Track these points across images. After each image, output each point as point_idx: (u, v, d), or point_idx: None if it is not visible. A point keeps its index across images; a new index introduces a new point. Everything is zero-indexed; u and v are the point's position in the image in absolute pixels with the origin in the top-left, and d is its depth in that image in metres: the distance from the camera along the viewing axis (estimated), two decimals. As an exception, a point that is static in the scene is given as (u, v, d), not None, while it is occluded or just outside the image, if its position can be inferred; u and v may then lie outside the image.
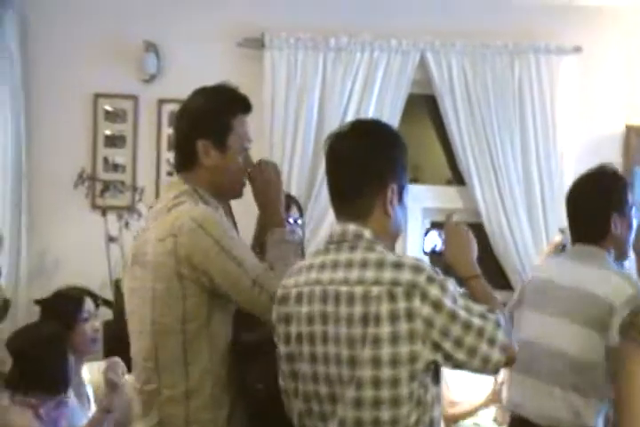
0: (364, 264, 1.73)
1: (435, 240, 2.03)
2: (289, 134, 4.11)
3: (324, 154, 1.91)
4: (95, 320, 2.92)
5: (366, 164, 1.83)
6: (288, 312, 1.81)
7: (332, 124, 4.07)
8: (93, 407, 2.90)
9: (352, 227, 1.80)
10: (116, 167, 4.23)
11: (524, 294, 2.58)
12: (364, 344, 1.67)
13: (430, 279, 1.69)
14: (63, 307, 2.86)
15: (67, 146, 4.21)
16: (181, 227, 1.99)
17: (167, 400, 2.04)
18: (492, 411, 3.60)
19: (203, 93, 2.18)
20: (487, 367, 1.73)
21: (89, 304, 2.91)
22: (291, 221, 3.21)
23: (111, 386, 2.75)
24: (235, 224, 2.29)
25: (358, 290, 1.70)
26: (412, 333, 1.65)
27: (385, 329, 1.66)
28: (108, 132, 4.24)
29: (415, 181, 4.55)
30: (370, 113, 4.12)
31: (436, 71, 4.16)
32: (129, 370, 3.18)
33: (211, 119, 2.13)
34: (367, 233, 1.79)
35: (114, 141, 4.24)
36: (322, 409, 1.75)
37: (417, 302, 1.65)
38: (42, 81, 4.20)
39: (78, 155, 4.19)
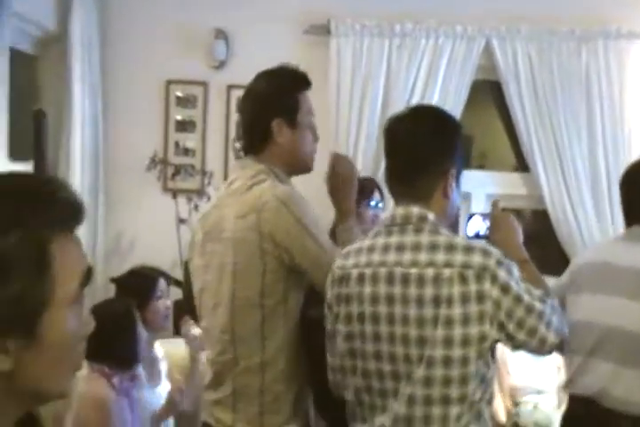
0: (432, 247, 1.78)
1: (478, 225, 2.09)
2: (354, 121, 4.17)
3: (384, 137, 1.98)
4: (167, 299, 3.05)
5: (431, 146, 1.90)
6: (348, 293, 1.85)
7: (397, 111, 4.13)
8: (165, 383, 3.04)
9: (416, 209, 1.84)
10: (186, 151, 4.36)
11: (580, 277, 2.60)
12: (435, 325, 1.73)
13: (499, 263, 1.76)
14: (138, 285, 2.99)
15: (140, 130, 4.36)
16: (265, 204, 2.07)
17: (243, 371, 2.13)
18: (553, 394, 3.62)
19: (266, 76, 2.28)
20: (543, 348, 1.83)
21: (162, 283, 3.03)
22: (371, 204, 3.31)
23: (172, 405, 2.89)
24: None
25: (429, 272, 1.75)
26: (481, 314, 1.73)
27: (457, 311, 1.72)
28: (179, 118, 4.38)
29: (481, 167, 4.58)
30: (434, 99, 4.15)
31: (501, 57, 4.16)
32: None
33: (281, 98, 2.22)
34: (431, 216, 1.85)
35: (184, 126, 4.38)
36: (382, 386, 1.82)
37: (487, 285, 1.73)
38: (118, 67, 4.35)
39: (151, 139, 4.34)
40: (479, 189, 4.34)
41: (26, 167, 3.90)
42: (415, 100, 4.15)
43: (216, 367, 2.20)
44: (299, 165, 2.26)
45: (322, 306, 2.03)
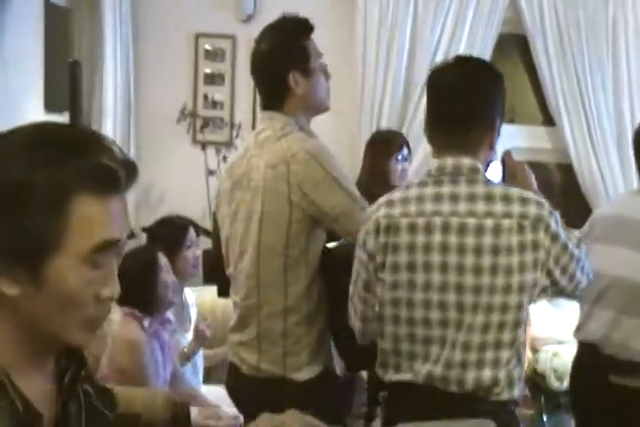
0: (489, 198, 1.83)
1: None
2: (380, 73, 4.21)
3: (430, 87, 1.97)
4: (196, 248, 3.17)
5: (483, 98, 1.92)
6: (396, 242, 1.86)
7: (423, 63, 4.18)
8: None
9: (466, 161, 1.87)
10: (215, 104, 4.45)
11: (597, 228, 2.67)
12: (493, 273, 1.80)
13: (550, 213, 1.85)
14: (168, 234, 3.11)
15: (170, 83, 4.44)
16: (294, 156, 2.14)
17: (267, 315, 2.23)
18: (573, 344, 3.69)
19: (270, 31, 2.33)
20: (576, 292, 1.97)
21: (191, 232, 3.15)
22: (400, 158, 3.39)
23: (200, 337, 3.05)
24: None
25: (488, 222, 1.81)
26: (535, 261, 1.81)
27: (515, 259, 1.80)
28: (207, 71, 4.45)
29: (511, 121, 4.60)
30: (460, 51, 4.15)
31: (527, 10, 4.16)
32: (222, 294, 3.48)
33: (290, 51, 2.26)
34: (480, 167, 1.89)
35: (213, 79, 4.45)
36: (428, 334, 1.86)
37: (541, 234, 1.81)
38: (148, 20, 4.42)
39: (180, 92, 4.42)
40: (505, 143, 4.36)
41: (61, 118, 4.02)
42: (441, 53, 4.18)
43: (241, 311, 2.31)
44: (318, 108, 2.35)
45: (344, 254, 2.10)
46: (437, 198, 1.85)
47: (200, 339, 3.07)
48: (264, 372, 2.24)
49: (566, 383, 3.14)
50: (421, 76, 4.18)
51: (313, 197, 2.14)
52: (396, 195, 1.91)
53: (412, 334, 1.87)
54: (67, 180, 0.98)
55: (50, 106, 3.77)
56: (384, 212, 1.89)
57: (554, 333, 3.76)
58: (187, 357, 3.04)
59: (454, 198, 1.84)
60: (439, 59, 4.15)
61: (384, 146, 3.39)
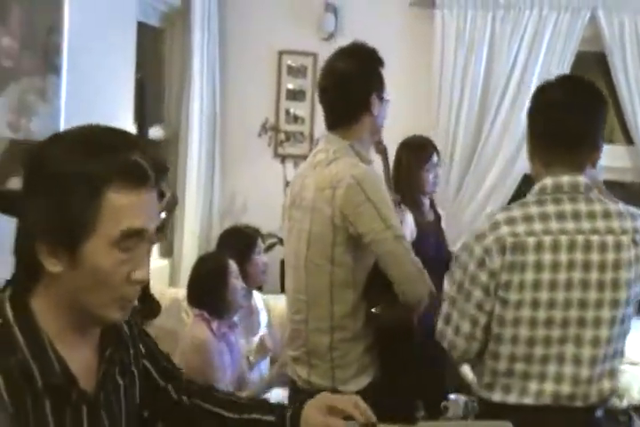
0: (606, 215, 1.89)
1: None
2: (456, 91, 4.29)
3: (542, 103, 1.99)
4: (264, 256, 3.33)
5: (595, 112, 1.97)
6: (523, 260, 1.85)
7: (499, 82, 4.24)
8: (265, 332, 3.32)
9: (581, 179, 1.92)
10: (296, 119, 4.62)
11: None
12: (616, 288, 1.87)
13: None
14: (239, 241, 3.28)
15: (253, 99, 4.64)
16: (340, 181, 2.25)
17: (314, 331, 2.33)
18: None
19: (350, 54, 2.42)
20: None
21: (260, 241, 3.32)
22: (431, 164, 3.42)
23: (263, 348, 3.16)
24: (386, 160, 2.56)
25: (609, 239, 1.87)
26: None
27: (632, 273, 1.88)
28: (290, 87, 4.63)
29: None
30: (537, 70, 4.21)
31: (607, 28, 4.15)
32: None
33: (373, 74, 2.38)
34: (590, 184, 1.95)
35: (295, 95, 4.63)
36: (546, 352, 1.87)
37: None
38: (234, 39, 4.63)
39: (263, 107, 4.61)
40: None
41: (152, 132, 4.27)
42: (517, 72, 4.23)
43: (292, 325, 2.42)
44: (378, 134, 2.47)
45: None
46: (561, 216, 1.87)
47: (262, 350, 3.19)
48: (315, 385, 2.33)
49: (626, 402, 3.13)
50: (497, 94, 4.26)
51: (352, 219, 2.23)
52: (516, 212, 1.90)
53: (529, 353, 1.88)
54: (102, 173, 1.15)
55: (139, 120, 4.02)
56: (508, 230, 1.87)
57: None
58: (251, 365, 3.17)
59: (576, 216, 1.88)
60: (516, 77, 4.22)
61: (417, 153, 3.43)
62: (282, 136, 4.54)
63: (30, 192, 1.18)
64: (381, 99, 2.38)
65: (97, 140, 1.20)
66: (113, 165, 1.16)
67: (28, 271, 1.20)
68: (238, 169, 4.61)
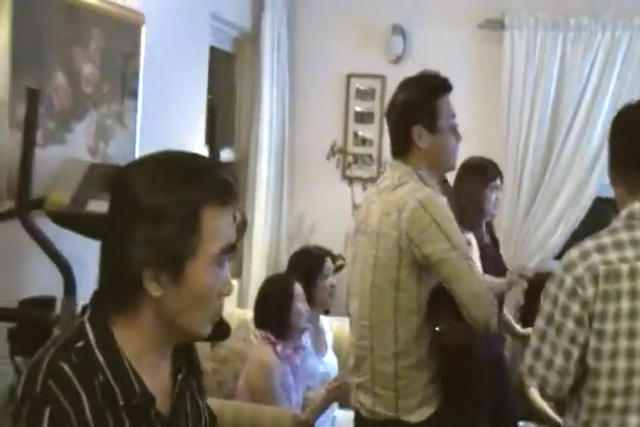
0: None
1: None
2: (525, 113, 4.26)
3: (626, 127, 1.94)
4: (332, 278, 3.34)
5: None
6: (618, 288, 1.80)
7: (569, 104, 4.20)
8: (331, 354, 3.33)
9: None
10: (364, 141, 4.65)
11: None
12: None
13: None
14: (307, 263, 3.30)
15: (322, 121, 4.69)
16: (406, 204, 2.25)
17: (378, 358, 2.32)
18: None
19: (407, 84, 2.43)
20: None
21: (328, 263, 3.33)
22: (494, 186, 3.38)
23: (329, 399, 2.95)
24: (450, 193, 2.55)
25: None
26: None
27: None
28: (358, 109, 4.67)
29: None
30: (609, 93, 4.16)
31: (681, 50, 4.09)
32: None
33: (420, 106, 2.35)
34: None
35: (363, 118, 4.66)
36: None
37: None
38: (303, 62, 4.70)
39: (331, 129, 4.66)
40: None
41: (222, 155, 4.35)
42: (589, 94, 4.18)
43: (356, 352, 2.41)
44: (442, 165, 2.43)
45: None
46: None
47: (329, 400, 2.98)
48: (378, 415, 2.33)
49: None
50: (567, 116, 4.21)
51: (418, 241, 2.22)
52: (606, 240, 1.86)
53: (629, 386, 1.82)
54: (196, 197, 1.20)
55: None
56: (599, 258, 1.82)
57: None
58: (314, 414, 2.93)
59: None
60: (587, 100, 4.17)
61: (479, 173, 3.36)
62: (349, 159, 4.57)
63: (125, 219, 1.22)
64: (435, 130, 2.36)
65: (183, 164, 1.25)
66: (205, 187, 1.21)
67: (120, 296, 1.23)
68: (306, 191, 4.66)
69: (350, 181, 4.49)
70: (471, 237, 3.17)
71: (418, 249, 2.24)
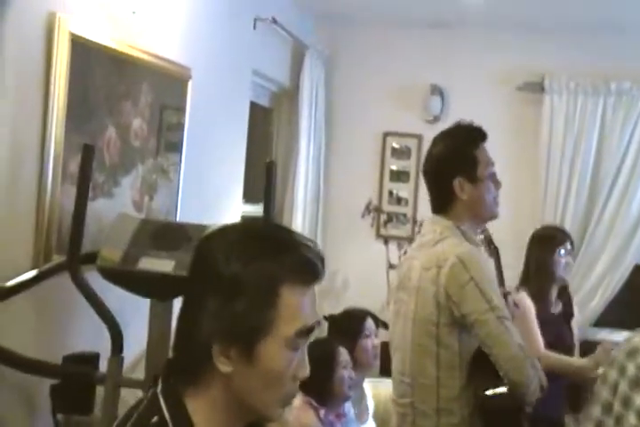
0: None
1: None
2: (564, 177, 4.25)
3: None
4: (375, 338, 3.26)
5: None
6: None
7: (609, 169, 4.17)
8: (371, 421, 3.23)
9: None
10: (399, 200, 4.63)
11: None
12: None
13: None
14: (348, 324, 3.22)
15: (357, 179, 4.69)
16: (446, 260, 2.21)
17: (420, 414, 2.26)
18: None
19: (443, 137, 2.38)
20: None
21: (370, 323, 3.25)
22: (563, 252, 3.37)
23: None
24: (497, 253, 2.52)
25: None
26: None
27: None
28: (393, 168, 4.66)
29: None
30: (649, 159, 4.14)
31: None
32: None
33: (458, 158, 2.31)
34: None
35: (399, 176, 4.65)
36: None
37: None
38: (340, 120, 4.73)
39: (367, 187, 4.65)
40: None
41: (255, 209, 4.34)
42: (629, 160, 4.17)
43: (398, 409, 2.36)
44: (485, 214, 2.38)
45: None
46: None
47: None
48: None
49: None
50: (607, 182, 4.18)
51: (455, 299, 2.18)
52: None
53: None
54: (277, 272, 1.14)
55: (248, 197, 4.09)
56: None
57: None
58: None
59: None
60: (627, 166, 4.16)
61: (548, 241, 3.39)
62: (385, 217, 4.54)
63: (200, 288, 1.17)
64: (475, 180, 2.32)
65: (267, 236, 1.21)
66: (287, 263, 1.15)
67: (191, 368, 1.18)
68: (340, 248, 4.61)
69: (385, 239, 4.45)
70: (522, 297, 3.15)
71: (456, 307, 2.20)
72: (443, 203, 2.35)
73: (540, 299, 3.27)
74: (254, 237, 1.19)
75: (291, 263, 1.15)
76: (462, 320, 2.20)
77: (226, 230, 1.23)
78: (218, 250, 1.17)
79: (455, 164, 2.31)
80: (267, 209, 2.37)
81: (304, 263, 1.17)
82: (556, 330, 3.29)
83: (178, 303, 2.32)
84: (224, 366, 1.14)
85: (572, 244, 3.46)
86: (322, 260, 1.21)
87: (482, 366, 2.23)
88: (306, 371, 1.20)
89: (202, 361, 1.15)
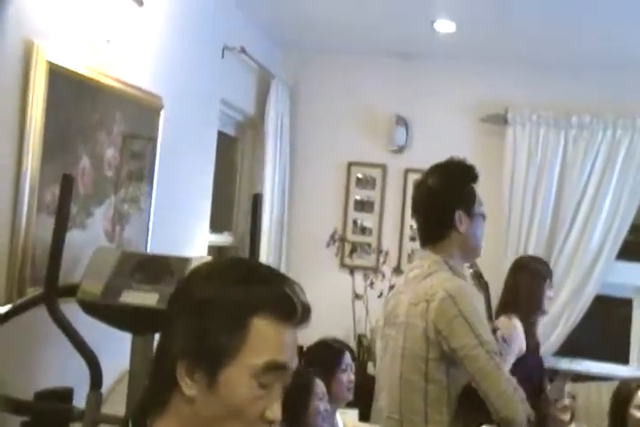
0: None
1: None
2: (527, 208, 4.30)
3: None
4: (351, 372, 3.22)
5: None
6: None
7: (570, 201, 4.24)
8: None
9: None
10: (363, 230, 4.63)
11: None
12: None
13: None
14: (325, 356, 3.19)
15: (322, 208, 4.69)
16: (435, 294, 2.21)
17: None
18: None
19: (440, 170, 2.42)
20: None
21: (347, 357, 3.21)
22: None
23: None
24: (486, 287, 2.54)
25: None
26: None
27: None
28: (357, 198, 4.67)
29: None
30: (610, 191, 4.21)
31: (683, 153, 4.17)
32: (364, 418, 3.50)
33: (461, 191, 2.37)
34: None
35: (363, 206, 4.66)
36: None
37: None
38: (304, 149, 4.73)
39: (331, 217, 4.65)
40: None
41: (222, 238, 4.30)
42: (590, 193, 4.24)
43: None
44: (473, 251, 2.41)
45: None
46: None
47: None
48: None
49: None
50: (568, 214, 4.24)
51: (445, 334, 2.18)
52: None
53: None
54: (251, 300, 1.13)
55: (214, 226, 4.05)
56: None
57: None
58: None
59: None
60: (587, 199, 4.22)
61: (540, 269, 3.46)
62: (349, 247, 4.53)
63: (174, 309, 1.18)
64: (471, 215, 2.36)
65: (252, 269, 1.20)
66: (263, 295, 1.15)
67: (158, 393, 1.17)
68: (305, 279, 4.36)
69: (351, 269, 4.44)
70: (515, 324, 3.19)
71: (445, 342, 2.19)
72: (437, 234, 2.36)
73: (529, 328, 3.30)
74: (237, 268, 1.20)
75: (267, 295, 1.15)
76: (452, 355, 2.20)
77: (213, 262, 1.26)
78: (198, 277, 1.18)
79: (458, 195, 2.35)
80: (253, 242, 2.34)
81: (281, 298, 1.16)
82: (538, 359, 3.33)
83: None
84: (188, 389, 1.12)
85: (551, 277, 3.52)
86: (304, 307, 1.19)
87: (470, 402, 2.23)
88: (275, 414, 1.17)
89: (168, 383, 1.14)
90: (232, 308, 1.13)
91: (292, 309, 1.16)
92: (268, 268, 1.22)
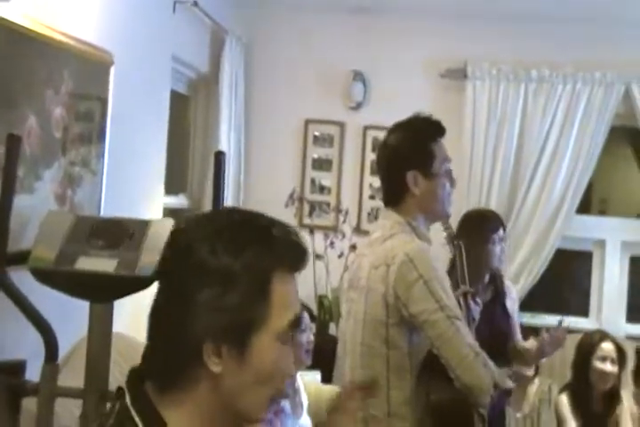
0: None
1: None
2: (488, 164, 4.26)
3: None
4: (310, 333, 3.16)
5: None
6: None
7: (531, 155, 4.21)
8: (305, 416, 3.15)
9: None
10: (322, 189, 4.54)
11: None
12: None
13: None
14: None
15: (279, 168, 4.58)
16: (394, 257, 2.13)
17: (371, 418, 2.18)
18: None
19: (399, 128, 2.30)
20: None
21: (306, 317, 3.16)
22: (497, 239, 3.21)
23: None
24: (460, 250, 2.47)
25: None
26: None
27: None
28: (315, 156, 4.57)
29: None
30: (570, 145, 4.19)
31: (641, 104, 4.14)
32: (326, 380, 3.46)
33: (414, 151, 2.24)
34: None
35: (321, 164, 4.56)
36: None
37: None
38: (260, 107, 4.59)
39: (289, 176, 4.55)
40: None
41: (177, 200, 4.18)
42: (550, 145, 4.21)
43: None
44: (437, 212, 2.30)
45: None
46: None
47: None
48: None
49: None
50: (529, 168, 4.21)
51: (404, 299, 2.11)
52: None
53: None
54: (269, 261, 1.06)
55: (169, 188, 3.92)
56: None
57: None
58: None
59: None
60: (548, 151, 4.19)
61: (481, 225, 3.16)
62: (308, 207, 4.45)
63: (186, 285, 1.07)
64: (430, 174, 2.24)
65: (252, 223, 1.11)
66: (279, 251, 1.07)
67: (173, 372, 1.07)
68: None
69: (311, 230, 4.35)
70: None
71: (405, 308, 2.12)
72: (394, 196, 2.26)
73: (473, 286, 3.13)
74: (238, 225, 1.10)
75: (281, 250, 1.08)
76: (412, 321, 2.13)
77: (203, 220, 1.13)
78: (200, 240, 1.07)
79: (410, 156, 2.23)
80: (216, 202, 2.24)
81: (294, 249, 1.10)
82: (486, 316, 3.11)
83: (118, 306, 2.19)
84: (215, 366, 1.04)
85: (504, 228, 3.28)
86: (307, 249, 1.13)
87: (433, 369, 2.16)
88: (294, 367, 1.13)
89: (189, 363, 1.05)
90: (254, 275, 1.05)
91: (304, 256, 1.12)
92: (265, 218, 1.13)
